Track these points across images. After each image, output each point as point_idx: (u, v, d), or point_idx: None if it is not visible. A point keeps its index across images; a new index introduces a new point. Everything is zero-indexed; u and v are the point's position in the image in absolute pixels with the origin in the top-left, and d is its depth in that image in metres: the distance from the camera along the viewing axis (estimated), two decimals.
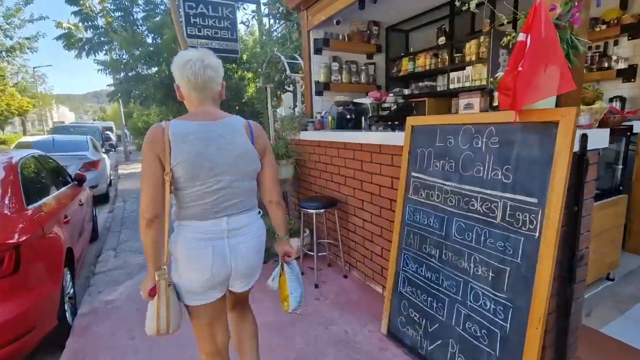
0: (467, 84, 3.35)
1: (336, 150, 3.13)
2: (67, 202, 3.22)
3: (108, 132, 22.93)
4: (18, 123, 30.65)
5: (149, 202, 1.20)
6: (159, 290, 1.24)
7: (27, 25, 15.02)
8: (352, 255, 3.09)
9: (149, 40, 6.33)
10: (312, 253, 3.12)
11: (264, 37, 4.81)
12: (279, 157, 3.56)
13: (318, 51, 3.92)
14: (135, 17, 5.95)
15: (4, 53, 14.48)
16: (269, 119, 5.00)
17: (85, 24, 5.64)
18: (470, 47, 3.31)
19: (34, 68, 28.30)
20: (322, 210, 2.88)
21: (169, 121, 1.26)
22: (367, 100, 3.77)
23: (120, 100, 8.56)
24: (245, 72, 8.61)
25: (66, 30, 5.78)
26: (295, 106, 4.78)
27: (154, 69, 6.04)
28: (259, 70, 4.67)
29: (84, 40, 5.83)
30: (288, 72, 3.97)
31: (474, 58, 3.30)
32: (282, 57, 4.06)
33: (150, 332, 1.27)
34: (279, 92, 5.19)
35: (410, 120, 2.11)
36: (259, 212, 1.43)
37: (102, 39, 5.85)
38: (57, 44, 6.05)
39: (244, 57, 7.09)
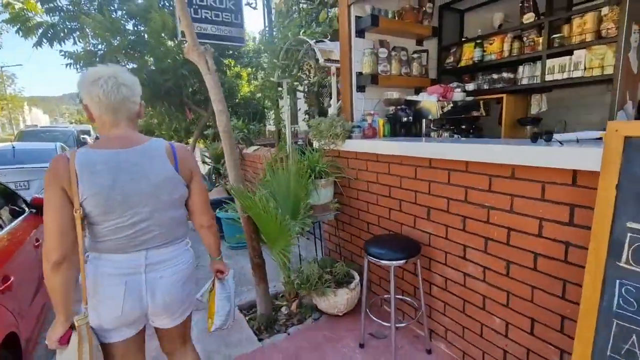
0: (576, 74, 2.45)
1: (410, 168, 2.17)
2: (12, 250, 2.14)
3: (85, 137, 21.34)
4: None
5: (55, 243, 1.07)
6: (80, 337, 1.12)
7: None
8: (439, 320, 2.13)
9: (130, 27, 5.18)
10: (374, 317, 2.14)
11: (279, 20, 3.82)
12: (317, 176, 2.58)
13: (361, 33, 2.96)
14: None
15: None
16: (286, 124, 3.99)
17: (47, 5, 4.46)
18: (584, 23, 2.41)
19: (1, 67, 26.26)
20: (402, 262, 1.90)
21: (76, 150, 1.14)
22: (430, 98, 2.83)
23: None
24: (242, 68, 7.54)
25: (16, 11, 4.57)
26: (326, 106, 3.78)
27: (136, 64, 4.91)
28: (275, 61, 3.67)
29: (45, 25, 4.63)
30: (321, 60, 2.99)
31: (589, 37, 2.40)
32: (311, 42, 3.07)
33: None
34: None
35: (621, 128, 1.17)
36: (187, 242, 1.36)
37: (69, 24, 4.67)
38: (26, 42, 4.81)
39: (249, 46, 6.08)
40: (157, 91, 5.24)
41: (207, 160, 5.47)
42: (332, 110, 3.15)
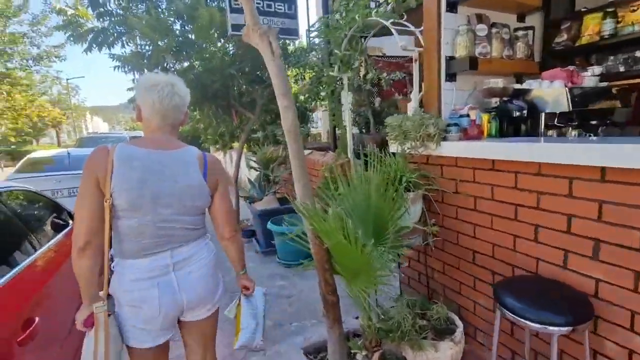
0: None
1: (558, 181, 1.50)
2: (42, 281, 1.76)
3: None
4: (54, 134, 30.92)
5: (82, 229, 1.13)
6: (97, 324, 1.16)
7: (54, 33, 14.31)
8: None
9: (177, 27, 4.90)
10: None
11: (342, 2, 3.28)
12: (407, 189, 1.98)
13: (452, 7, 2.32)
14: None
15: (30, 62, 13.88)
16: (346, 125, 3.43)
17: (97, 10, 4.27)
18: None
19: (67, 80, 28.48)
20: (569, 328, 1.23)
21: (117, 144, 1.21)
22: (554, 85, 2.13)
23: None
24: (288, 68, 7.12)
25: (69, 17, 4.44)
26: (377, 106, 3.17)
27: (185, 64, 4.60)
28: (336, 52, 3.13)
29: (95, 30, 4.46)
30: (402, 44, 2.38)
31: None
32: (386, 23, 2.48)
33: None
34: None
35: None
36: (207, 238, 1.38)
37: (118, 28, 4.46)
38: (88, 55, 4.74)
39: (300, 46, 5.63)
40: (204, 93, 4.94)
41: (253, 165, 5.06)
42: (413, 106, 2.54)
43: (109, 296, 1.23)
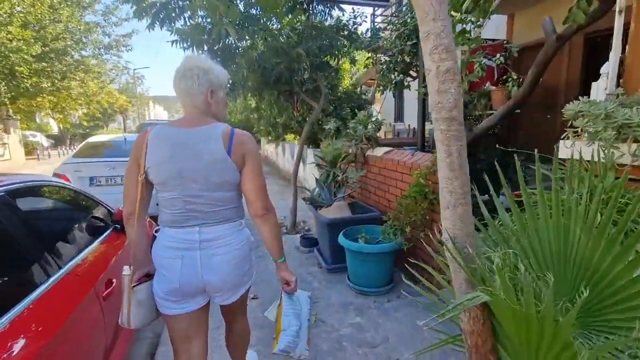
0: None
1: None
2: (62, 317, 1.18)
3: None
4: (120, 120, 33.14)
5: (126, 202, 1.29)
6: (123, 287, 1.27)
7: (123, 23, 14.83)
8: None
9: (241, 6, 4.28)
10: None
11: None
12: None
13: None
14: None
15: (102, 50, 14.50)
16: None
17: None
18: None
19: (134, 70, 30.22)
20: None
21: (155, 126, 1.29)
22: None
23: None
24: (359, 52, 6.27)
25: None
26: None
27: (248, 41, 3.96)
28: (454, 14, 2.26)
29: (158, 5, 3.95)
30: None
31: None
32: None
33: (119, 321, 1.31)
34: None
35: None
36: (241, 223, 1.37)
37: (181, 3, 3.91)
38: (152, 45, 4.24)
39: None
40: (266, 77, 4.30)
41: (319, 161, 4.33)
42: (606, 85, 1.60)
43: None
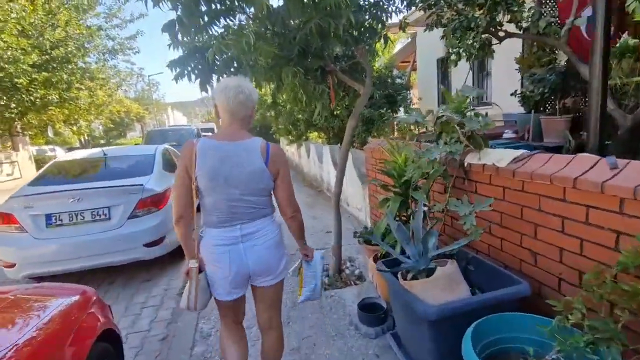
0: None
1: None
2: None
3: (208, 133, 22.00)
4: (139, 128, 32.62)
5: (175, 205, 1.46)
6: (191, 275, 1.48)
7: (128, 25, 13.65)
8: None
9: None
10: None
11: None
12: None
13: None
14: None
15: (107, 55, 13.39)
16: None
17: None
18: None
19: (148, 76, 29.47)
20: None
21: (200, 138, 1.47)
22: None
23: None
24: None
25: None
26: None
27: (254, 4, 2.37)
28: None
29: None
30: None
31: None
32: None
33: (183, 306, 1.51)
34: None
35: None
36: (272, 217, 1.56)
37: None
38: (159, 46, 2.66)
39: None
40: (288, 47, 2.71)
41: (380, 182, 2.72)
42: None
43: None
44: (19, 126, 13.14)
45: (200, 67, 3.13)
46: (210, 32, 2.62)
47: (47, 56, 11.13)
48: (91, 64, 13.12)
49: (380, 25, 3.26)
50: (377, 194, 3.82)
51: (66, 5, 11.75)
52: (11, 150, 12.33)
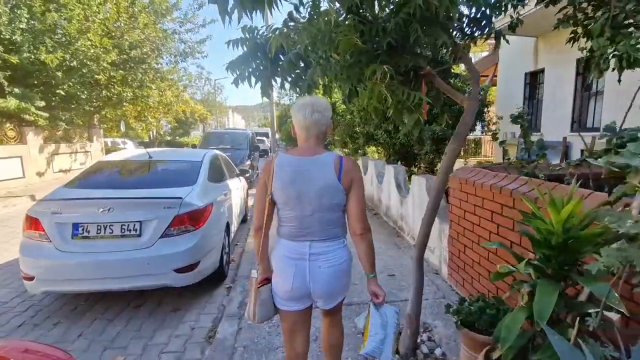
0: None
1: None
2: None
3: (263, 138, 22.18)
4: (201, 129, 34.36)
5: (256, 217, 1.52)
6: (250, 286, 1.54)
7: (200, 30, 14.11)
8: None
9: None
10: None
11: None
12: None
13: None
14: None
15: (178, 58, 13.94)
16: None
17: None
18: None
19: (215, 80, 30.98)
20: None
21: (278, 154, 1.50)
22: None
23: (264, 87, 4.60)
24: None
25: None
26: None
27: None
28: None
29: None
30: None
31: None
32: None
33: (245, 316, 1.62)
34: None
35: None
36: (344, 242, 1.54)
37: None
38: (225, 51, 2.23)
39: None
40: (373, 43, 1.96)
41: (498, 245, 1.83)
42: None
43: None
44: (96, 119, 14.14)
45: (261, 68, 2.57)
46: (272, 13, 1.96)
47: (125, 55, 11.80)
48: (163, 65, 13.72)
49: (494, 16, 2.39)
50: (466, 239, 2.88)
51: (147, 10, 12.42)
52: (87, 141, 13.22)
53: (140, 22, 11.81)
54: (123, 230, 2.81)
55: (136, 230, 2.82)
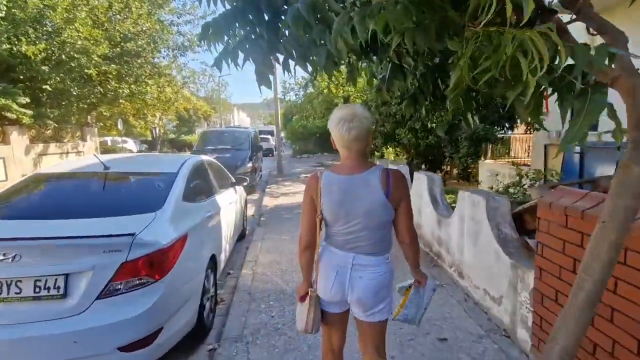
0: None
1: None
2: None
3: (268, 136, 21.10)
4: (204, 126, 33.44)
5: (304, 235, 1.52)
6: (309, 302, 1.53)
7: (200, 22, 13.09)
8: None
9: None
10: None
11: None
12: None
13: None
14: None
15: (177, 52, 12.92)
16: None
17: None
18: None
19: (219, 77, 29.97)
20: None
21: (324, 171, 1.51)
22: None
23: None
24: None
25: None
26: None
27: None
28: None
29: None
30: None
31: None
32: None
33: (299, 328, 1.56)
34: None
35: None
36: (388, 257, 1.54)
37: None
38: None
39: None
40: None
41: None
42: None
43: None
44: (91, 117, 13.23)
45: (253, 37, 1.63)
46: None
47: (118, 48, 10.83)
48: (161, 60, 12.74)
49: None
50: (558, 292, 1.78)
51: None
52: (79, 141, 12.31)
53: (134, 13, 10.80)
54: (38, 290, 1.78)
55: (58, 288, 1.79)
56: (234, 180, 4.55)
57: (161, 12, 12.31)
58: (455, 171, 5.58)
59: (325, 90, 7.32)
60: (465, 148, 4.60)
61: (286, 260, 4.02)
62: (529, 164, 6.88)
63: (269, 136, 20.16)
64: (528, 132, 6.45)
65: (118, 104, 13.07)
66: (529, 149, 6.90)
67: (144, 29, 11.50)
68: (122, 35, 10.64)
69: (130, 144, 22.26)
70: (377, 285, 1.47)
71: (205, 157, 3.73)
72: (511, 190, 4.34)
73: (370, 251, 1.46)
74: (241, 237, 4.88)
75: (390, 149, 7.59)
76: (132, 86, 12.16)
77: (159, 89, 13.12)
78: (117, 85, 11.58)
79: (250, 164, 8.36)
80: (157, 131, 24.37)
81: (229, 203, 3.84)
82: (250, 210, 6.76)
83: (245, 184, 4.67)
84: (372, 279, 1.46)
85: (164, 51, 12.79)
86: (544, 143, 6.09)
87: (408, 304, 1.61)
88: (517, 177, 4.69)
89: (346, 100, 7.00)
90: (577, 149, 5.34)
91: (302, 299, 1.55)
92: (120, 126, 15.42)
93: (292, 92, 14.48)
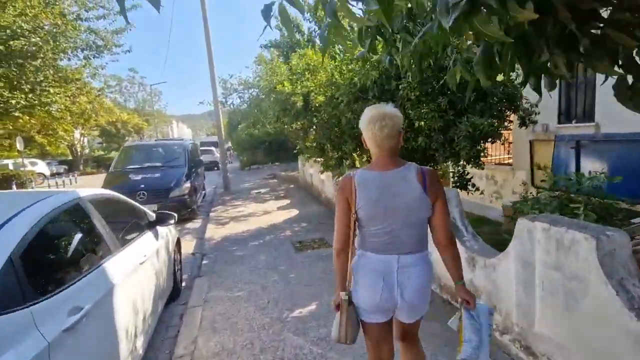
0: None
1: None
2: None
3: (211, 148, 18.83)
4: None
5: (339, 237, 1.43)
6: (342, 309, 1.42)
7: (117, 17, 10.78)
8: None
9: None
10: None
11: None
12: None
13: None
14: None
15: (87, 52, 10.45)
16: None
17: None
18: None
19: (150, 85, 26.71)
20: None
21: (357, 170, 1.45)
22: None
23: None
24: None
25: None
26: None
27: None
28: None
29: None
30: None
31: None
32: None
33: (334, 337, 1.44)
34: None
35: None
36: (427, 254, 1.47)
37: None
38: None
39: None
40: None
41: None
42: None
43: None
44: None
45: None
46: None
47: (1, 47, 8.25)
48: (67, 62, 10.20)
49: None
50: None
51: None
52: None
53: (19, 1, 8.32)
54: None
55: None
56: (153, 219, 2.95)
57: (62, 3, 9.83)
58: (447, 178, 4.55)
59: (279, 87, 5.78)
60: (466, 149, 3.56)
61: (247, 347, 2.42)
62: (509, 162, 6.20)
63: (213, 148, 18.06)
64: (522, 128, 5.75)
65: (13, 118, 10.24)
66: (507, 146, 6.17)
67: (42, 24, 9.01)
68: (4, 29, 8.10)
69: (42, 166, 18.42)
70: (424, 283, 1.44)
71: (88, 193, 2.11)
72: (529, 202, 3.37)
73: (413, 250, 1.41)
74: (173, 298, 3.26)
75: (359, 157, 6.34)
76: (30, 95, 9.53)
77: (68, 98, 10.54)
78: (7, 95, 8.92)
79: (187, 184, 6.60)
80: (77, 149, 20.63)
81: (140, 263, 2.27)
82: (189, 247, 5.06)
83: (172, 221, 3.07)
84: (420, 277, 1.42)
85: (71, 52, 10.24)
86: (528, 139, 5.40)
87: (466, 333, 1.38)
88: (522, 184, 3.71)
89: (305, 97, 5.51)
90: (572, 143, 4.67)
91: (339, 307, 1.43)
92: (19, 146, 12.26)
93: (236, 93, 12.68)
